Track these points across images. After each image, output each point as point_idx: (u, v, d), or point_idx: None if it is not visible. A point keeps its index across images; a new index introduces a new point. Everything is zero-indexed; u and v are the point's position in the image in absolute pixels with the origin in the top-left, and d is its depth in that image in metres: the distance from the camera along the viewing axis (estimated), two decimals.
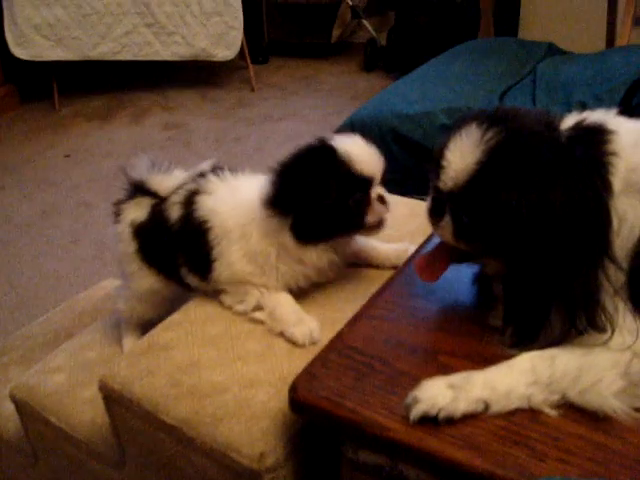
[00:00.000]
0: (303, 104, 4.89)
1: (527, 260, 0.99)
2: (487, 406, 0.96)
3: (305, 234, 1.28)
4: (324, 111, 4.70)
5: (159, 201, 1.46)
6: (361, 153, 1.27)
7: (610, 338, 0.96)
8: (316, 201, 1.25)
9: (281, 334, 1.30)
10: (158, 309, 1.54)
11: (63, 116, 4.85)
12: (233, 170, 1.45)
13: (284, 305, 1.33)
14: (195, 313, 1.38)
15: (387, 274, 1.36)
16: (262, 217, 1.30)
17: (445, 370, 1.03)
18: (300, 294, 1.37)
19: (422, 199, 1.22)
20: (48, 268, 3.16)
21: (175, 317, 1.39)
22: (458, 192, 1.05)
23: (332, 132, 2.84)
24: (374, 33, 5.37)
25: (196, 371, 1.24)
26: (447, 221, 1.09)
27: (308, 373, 1.08)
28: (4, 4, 4.50)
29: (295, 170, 1.29)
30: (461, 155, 1.03)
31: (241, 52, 4.94)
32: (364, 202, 1.28)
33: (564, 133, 1.02)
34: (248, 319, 1.35)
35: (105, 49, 4.73)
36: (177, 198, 1.42)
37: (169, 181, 1.46)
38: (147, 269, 1.49)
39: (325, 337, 1.21)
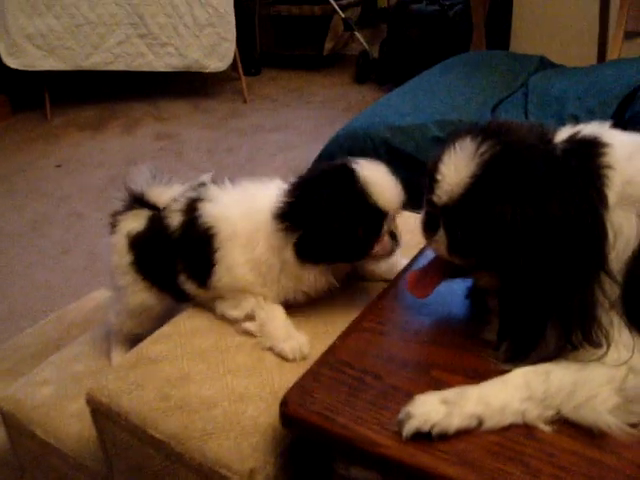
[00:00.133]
0: (295, 115, 4.90)
1: (522, 274, 0.98)
2: (481, 422, 0.95)
3: (307, 253, 1.26)
4: (316, 123, 4.70)
5: (157, 212, 1.44)
6: (381, 184, 1.24)
7: (605, 353, 0.95)
8: (325, 223, 1.22)
9: (270, 349, 1.28)
10: (149, 325, 1.51)
11: (55, 126, 4.84)
12: (233, 181, 1.43)
13: (276, 319, 1.31)
14: (185, 326, 1.37)
15: (379, 287, 1.35)
16: (271, 228, 1.28)
17: (438, 385, 1.01)
18: (292, 307, 1.35)
19: (416, 212, 1.22)
20: (39, 278, 3.14)
21: (164, 330, 1.37)
22: (453, 206, 1.04)
23: (324, 144, 2.85)
24: (366, 45, 5.39)
25: (185, 385, 1.22)
26: (441, 235, 1.09)
27: (299, 387, 1.07)
28: None
29: (311, 187, 1.27)
30: (455, 169, 1.02)
31: (234, 63, 4.96)
32: (374, 234, 1.25)
33: (559, 146, 1.02)
34: (238, 331, 1.33)
35: (98, 59, 4.73)
36: (177, 206, 1.40)
37: (169, 193, 1.45)
38: (141, 282, 1.47)
39: (316, 351, 1.19)
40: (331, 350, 1.15)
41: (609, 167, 0.98)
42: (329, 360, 1.12)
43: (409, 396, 0.98)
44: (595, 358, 0.96)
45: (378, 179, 1.24)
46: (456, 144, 1.03)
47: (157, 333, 1.36)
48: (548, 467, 0.90)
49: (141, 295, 1.48)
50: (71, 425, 1.43)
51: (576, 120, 1.05)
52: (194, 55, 4.80)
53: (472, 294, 1.20)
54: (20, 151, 4.50)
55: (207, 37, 4.77)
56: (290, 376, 1.13)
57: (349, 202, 1.22)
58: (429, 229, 1.12)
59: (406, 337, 1.17)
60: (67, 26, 4.62)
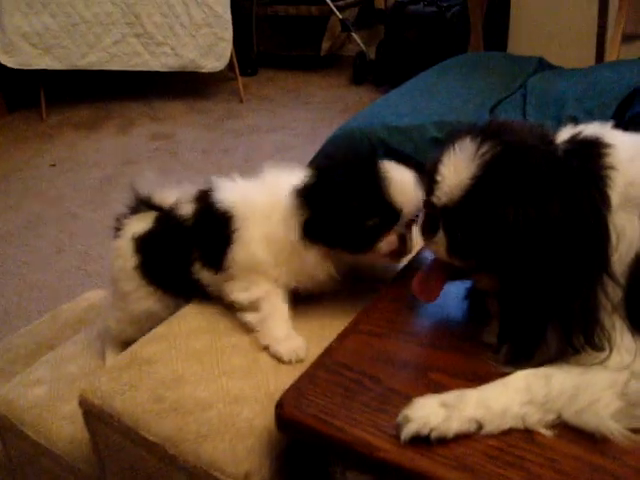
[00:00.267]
0: (292, 116, 4.88)
1: (524, 276, 0.97)
2: (481, 426, 0.93)
3: (313, 232, 1.25)
4: (313, 124, 4.69)
5: (165, 210, 1.45)
6: (401, 185, 1.23)
7: (608, 357, 0.94)
8: (335, 208, 1.22)
9: (266, 348, 1.27)
10: (148, 331, 1.49)
11: (50, 125, 4.83)
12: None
13: (278, 315, 1.30)
14: (179, 326, 1.35)
15: (376, 289, 1.34)
16: (285, 205, 1.27)
17: (437, 388, 1.00)
18: (292, 307, 1.34)
19: None
20: (32, 278, 3.12)
21: (159, 330, 1.35)
22: (452, 207, 1.02)
23: (321, 145, 2.83)
24: (363, 46, 5.38)
25: (180, 386, 1.20)
26: (441, 237, 1.07)
27: (295, 389, 1.05)
28: None
29: (332, 172, 1.27)
30: (455, 170, 1.01)
31: (230, 64, 4.94)
32: (382, 229, 1.24)
33: (560, 146, 1.01)
34: (234, 331, 1.32)
35: (94, 59, 4.72)
36: (187, 198, 1.41)
37: (175, 195, 1.44)
38: (146, 287, 1.46)
39: (313, 353, 1.18)
40: (328, 352, 1.13)
41: (611, 168, 0.96)
42: (326, 362, 1.11)
43: (407, 399, 0.97)
44: (597, 362, 0.94)
45: (399, 179, 1.23)
46: (456, 145, 1.02)
47: (151, 333, 1.35)
48: (549, 472, 0.88)
49: (146, 302, 1.47)
50: (64, 427, 1.41)
51: (575, 121, 1.05)
52: (190, 55, 4.79)
53: (471, 296, 1.19)
54: (15, 150, 4.49)
55: (203, 37, 4.76)
56: (286, 378, 1.12)
57: (364, 193, 1.21)
58: (428, 231, 1.10)
59: (404, 339, 1.15)
60: (63, 25, 4.60)
